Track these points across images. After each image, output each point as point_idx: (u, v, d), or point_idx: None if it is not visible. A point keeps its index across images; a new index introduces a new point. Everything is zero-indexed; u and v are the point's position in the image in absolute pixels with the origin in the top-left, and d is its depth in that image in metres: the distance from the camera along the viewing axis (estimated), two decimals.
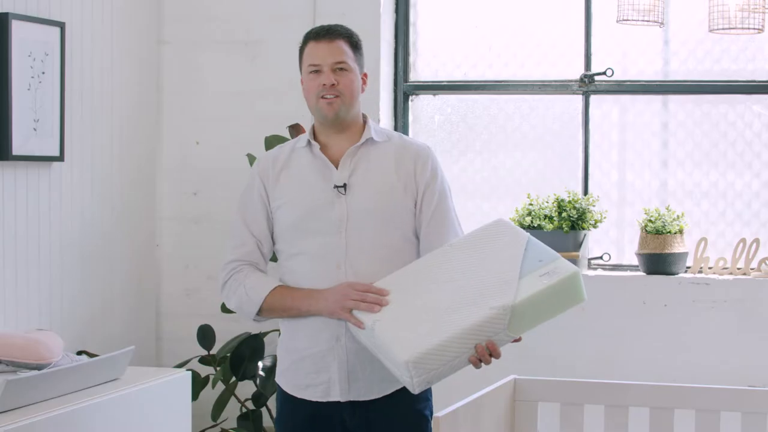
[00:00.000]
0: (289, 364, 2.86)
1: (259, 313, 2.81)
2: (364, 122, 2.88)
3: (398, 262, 2.75)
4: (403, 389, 2.75)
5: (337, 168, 2.81)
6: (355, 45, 2.84)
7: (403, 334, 2.54)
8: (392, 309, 2.61)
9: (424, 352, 2.50)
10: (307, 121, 4.48)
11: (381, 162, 2.83)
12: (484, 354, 2.54)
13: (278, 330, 4.33)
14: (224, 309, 4.18)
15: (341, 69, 2.78)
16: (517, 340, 2.63)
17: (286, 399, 2.88)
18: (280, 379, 2.91)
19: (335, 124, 2.81)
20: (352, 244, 2.76)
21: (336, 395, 2.78)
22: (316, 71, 2.79)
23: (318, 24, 4.64)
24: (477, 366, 2.57)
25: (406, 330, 2.54)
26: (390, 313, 2.60)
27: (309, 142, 2.85)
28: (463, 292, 2.60)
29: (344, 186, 2.79)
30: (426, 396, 2.87)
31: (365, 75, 2.88)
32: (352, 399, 2.78)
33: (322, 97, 2.78)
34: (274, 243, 2.88)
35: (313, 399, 2.81)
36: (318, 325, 2.77)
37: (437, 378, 2.55)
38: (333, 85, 2.76)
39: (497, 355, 2.56)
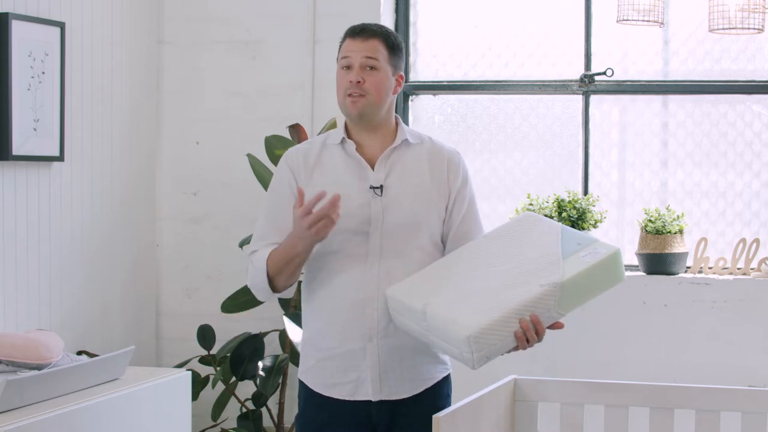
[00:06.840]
0: (315, 362, 2.84)
1: (271, 282, 2.78)
2: (396, 123, 2.87)
3: (427, 264, 2.77)
4: (429, 388, 2.82)
5: (372, 168, 2.81)
6: (391, 46, 2.81)
7: (458, 313, 2.59)
8: (439, 293, 2.65)
9: (484, 327, 2.55)
10: (306, 121, 4.50)
11: (415, 164, 2.83)
12: (528, 328, 2.58)
13: (278, 330, 4.35)
14: (224, 308, 4.19)
15: (371, 68, 2.76)
16: (560, 327, 2.69)
17: (310, 396, 2.86)
18: (303, 376, 2.89)
19: (361, 122, 2.80)
20: (386, 244, 2.77)
21: (367, 394, 2.79)
22: (347, 67, 2.78)
23: (318, 24, 4.70)
24: (523, 345, 2.61)
25: (460, 309, 2.60)
26: (438, 296, 2.64)
27: (343, 140, 2.84)
28: (510, 274, 2.67)
29: (380, 187, 2.78)
30: (447, 392, 2.91)
31: (401, 77, 2.85)
32: (383, 398, 2.79)
33: (348, 95, 2.76)
34: None
35: (341, 397, 2.81)
36: (350, 324, 2.77)
37: (494, 354, 2.60)
38: (359, 82, 2.75)
39: (541, 330, 2.61)
